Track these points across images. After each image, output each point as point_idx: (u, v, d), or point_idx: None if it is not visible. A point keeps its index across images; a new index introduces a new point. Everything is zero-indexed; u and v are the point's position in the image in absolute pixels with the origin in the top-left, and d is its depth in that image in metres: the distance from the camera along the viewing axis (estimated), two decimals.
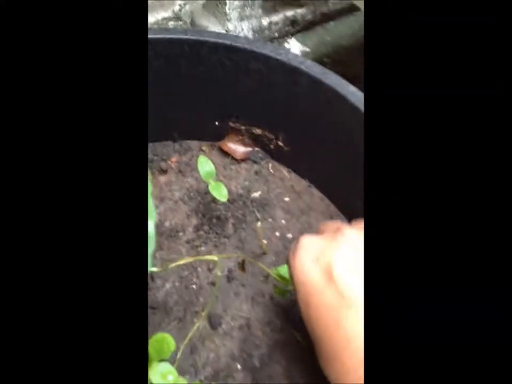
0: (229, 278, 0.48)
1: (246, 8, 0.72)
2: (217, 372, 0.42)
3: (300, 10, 0.82)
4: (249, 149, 0.57)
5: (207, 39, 0.48)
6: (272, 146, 0.56)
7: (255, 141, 0.57)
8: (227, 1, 0.69)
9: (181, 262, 0.37)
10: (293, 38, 0.86)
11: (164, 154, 0.58)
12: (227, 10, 0.70)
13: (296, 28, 0.85)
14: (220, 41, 0.48)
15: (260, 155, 0.57)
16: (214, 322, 0.45)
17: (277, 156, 0.57)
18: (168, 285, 0.48)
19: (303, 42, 0.85)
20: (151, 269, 0.25)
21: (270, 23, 0.78)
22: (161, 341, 0.32)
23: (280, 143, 0.55)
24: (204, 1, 0.68)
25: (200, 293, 0.48)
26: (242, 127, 0.56)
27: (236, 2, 0.69)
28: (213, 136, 0.58)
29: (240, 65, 0.49)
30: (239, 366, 0.43)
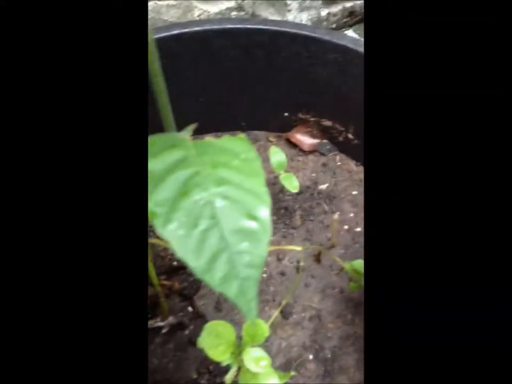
0: (298, 269, 0.49)
1: None
2: (289, 361, 0.43)
3: (358, 2, 0.81)
4: (317, 140, 0.57)
5: (286, 29, 0.48)
6: (341, 139, 0.56)
7: (324, 132, 0.57)
8: None
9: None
10: (350, 30, 0.85)
11: None
12: (288, 1, 0.70)
13: (354, 19, 0.84)
14: (299, 31, 0.47)
15: (328, 147, 0.57)
16: (285, 312, 0.46)
17: (344, 148, 0.57)
18: None
19: (360, 34, 0.84)
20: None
21: (329, 14, 0.78)
22: (256, 326, 0.33)
23: (350, 135, 0.54)
24: None
25: (270, 282, 0.48)
26: (312, 119, 0.56)
27: None
28: (281, 127, 0.58)
29: (318, 55, 0.49)
30: (311, 356, 0.43)
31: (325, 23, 0.80)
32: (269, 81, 0.53)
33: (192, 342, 0.43)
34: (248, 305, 0.23)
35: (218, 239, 0.23)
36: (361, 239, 0.51)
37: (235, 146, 0.27)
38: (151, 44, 0.26)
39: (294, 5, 0.71)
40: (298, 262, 0.49)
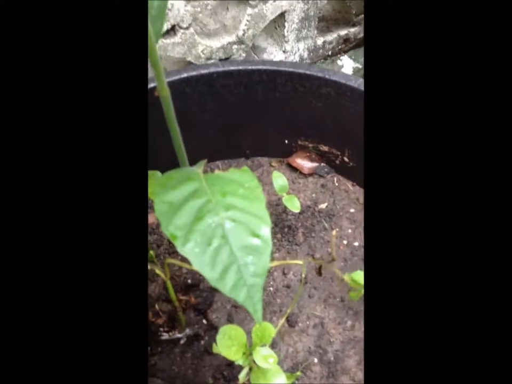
0: (301, 281, 0.54)
1: (303, 30, 0.78)
2: (296, 364, 0.48)
3: (352, 29, 0.87)
4: (316, 164, 0.63)
5: (283, 69, 0.54)
6: (337, 162, 0.61)
7: (321, 156, 0.62)
8: (286, 24, 0.75)
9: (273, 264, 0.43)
10: (345, 55, 0.91)
11: None
12: (285, 33, 0.76)
13: (349, 45, 0.90)
14: (295, 70, 0.53)
15: (326, 169, 0.63)
16: (291, 321, 0.50)
17: (341, 170, 0.62)
18: None
19: (355, 59, 0.90)
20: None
21: (324, 42, 0.84)
22: (263, 328, 0.38)
23: (346, 159, 0.60)
24: (265, 25, 0.74)
25: (277, 294, 0.53)
26: (310, 145, 0.62)
27: (294, 25, 0.75)
28: (282, 153, 0.64)
29: (312, 90, 0.54)
30: (315, 360, 0.48)
31: (321, 51, 0.86)
32: (270, 113, 0.59)
33: (207, 351, 0.48)
34: (255, 307, 0.28)
35: (228, 254, 0.29)
36: (359, 253, 0.56)
37: (240, 177, 0.32)
38: (167, 97, 0.32)
39: (291, 36, 0.77)
40: (302, 275, 0.54)
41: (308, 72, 0.53)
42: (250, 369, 0.40)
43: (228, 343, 0.37)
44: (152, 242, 0.57)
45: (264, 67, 0.54)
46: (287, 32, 0.76)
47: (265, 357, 0.36)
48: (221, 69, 0.54)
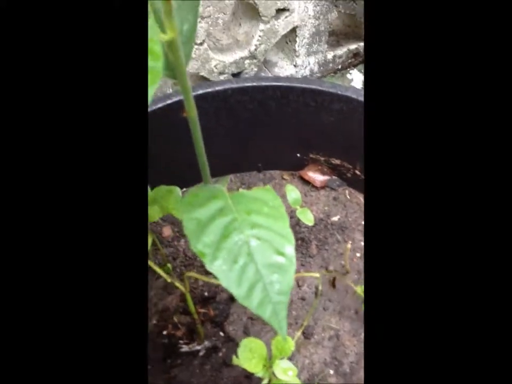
0: (316, 294, 0.55)
1: (313, 44, 0.79)
2: (312, 376, 0.48)
3: (362, 44, 0.88)
4: (328, 177, 0.64)
5: (296, 85, 0.55)
6: (349, 175, 0.62)
7: (333, 170, 0.63)
8: (297, 39, 0.76)
9: None
10: (355, 69, 0.92)
11: (250, 183, 0.65)
12: (296, 47, 0.78)
13: (358, 59, 0.91)
14: (307, 86, 0.55)
15: (337, 182, 0.64)
16: (307, 333, 0.51)
17: (353, 183, 0.63)
18: None
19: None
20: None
21: (334, 56, 0.85)
22: (283, 341, 0.39)
23: (357, 172, 0.61)
24: (276, 40, 0.75)
25: (292, 307, 0.54)
26: (322, 158, 0.63)
27: (305, 40, 0.77)
28: (294, 166, 0.65)
29: (324, 105, 0.56)
30: (331, 372, 0.48)
31: (331, 65, 0.87)
32: (282, 128, 0.60)
33: (225, 363, 0.49)
34: (280, 324, 0.29)
35: (254, 272, 0.30)
36: None
37: (264, 195, 0.33)
38: (195, 117, 0.33)
39: (302, 51, 0.79)
40: (316, 287, 0.55)
41: (320, 88, 0.54)
42: (269, 381, 0.41)
43: (249, 356, 0.38)
44: (168, 255, 0.58)
45: (277, 83, 0.55)
46: (298, 46, 0.77)
47: (284, 370, 0.37)
48: (235, 85, 0.56)
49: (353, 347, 0.50)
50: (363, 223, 0.61)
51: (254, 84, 0.55)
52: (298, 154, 0.64)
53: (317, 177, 0.64)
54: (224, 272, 0.29)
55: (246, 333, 0.52)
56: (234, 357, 0.42)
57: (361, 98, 0.53)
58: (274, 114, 0.58)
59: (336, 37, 0.88)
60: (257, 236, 0.31)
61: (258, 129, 0.60)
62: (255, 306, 0.29)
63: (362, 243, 0.59)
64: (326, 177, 0.64)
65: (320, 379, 0.48)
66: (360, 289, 0.50)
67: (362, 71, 0.91)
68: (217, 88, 0.55)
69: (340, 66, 0.89)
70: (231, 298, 0.54)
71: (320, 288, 0.44)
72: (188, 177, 0.57)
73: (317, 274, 0.43)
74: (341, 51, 0.86)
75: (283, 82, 0.55)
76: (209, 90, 0.54)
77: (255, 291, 0.29)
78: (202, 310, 0.48)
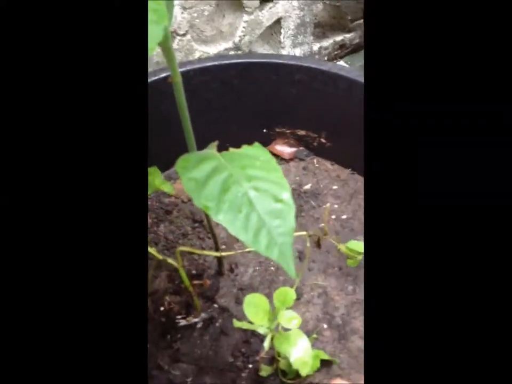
0: (300, 258, 0.57)
1: (298, 36, 0.79)
2: (307, 332, 0.50)
3: (348, 35, 0.89)
4: (295, 148, 0.66)
5: (255, 60, 0.57)
6: (315, 144, 0.65)
7: (299, 141, 0.66)
8: (282, 31, 0.76)
9: None
10: (341, 61, 0.92)
11: None
12: (281, 39, 0.77)
13: (345, 51, 0.92)
14: (267, 60, 0.57)
15: (305, 153, 0.66)
16: (297, 294, 0.53)
17: (319, 151, 0.66)
18: (250, 270, 0.56)
19: (351, 64, 0.92)
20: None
21: (320, 48, 0.86)
22: (284, 293, 0.40)
23: (323, 140, 0.64)
24: (261, 31, 0.75)
25: (279, 272, 0.56)
26: (288, 131, 0.65)
27: (290, 31, 0.77)
28: (261, 142, 0.67)
29: (286, 77, 0.58)
30: (325, 326, 0.51)
31: (317, 56, 0.87)
32: (246, 105, 0.62)
33: (223, 332, 0.50)
34: (288, 264, 0.31)
35: (257, 219, 0.31)
36: (348, 225, 0.60)
37: (254, 152, 0.35)
38: (179, 83, 0.34)
39: (287, 42, 0.79)
40: (300, 252, 0.57)
41: (279, 61, 0.56)
42: (272, 337, 0.42)
43: (254, 310, 0.39)
44: (150, 240, 0.59)
45: (238, 60, 0.57)
46: (283, 38, 0.77)
47: (289, 319, 0.39)
48: (196, 66, 0.57)
49: (342, 300, 0.53)
50: (334, 187, 0.63)
51: (215, 63, 0.56)
52: (264, 130, 0.66)
53: (285, 150, 0.66)
54: (230, 221, 0.31)
55: (238, 303, 0.53)
56: (234, 320, 0.44)
57: (320, 67, 0.56)
58: (237, 92, 0.60)
59: (322, 29, 0.88)
60: (255, 187, 0.32)
61: (222, 109, 0.62)
62: (263, 249, 0.31)
63: (336, 206, 0.62)
64: (293, 149, 0.66)
65: (316, 333, 0.50)
66: (342, 247, 0.53)
67: (349, 62, 0.92)
68: (180, 70, 0.55)
69: (326, 58, 0.89)
70: (219, 273, 0.56)
71: (308, 245, 0.47)
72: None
73: (304, 233, 0.45)
74: (327, 42, 0.87)
75: (243, 59, 0.56)
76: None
77: (261, 236, 0.31)
78: (197, 282, 0.49)
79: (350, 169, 0.65)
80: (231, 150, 0.36)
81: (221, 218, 0.31)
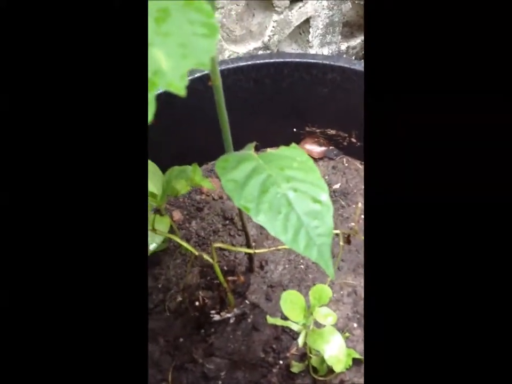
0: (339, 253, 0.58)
1: (327, 35, 0.79)
2: (338, 331, 0.51)
3: None
4: (325, 148, 0.67)
5: (289, 60, 0.57)
6: (345, 143, 0.65)
7: (329, 140, 0.66)
8: (310, 30, 0.76)
9: None
10: None
11: None
12: (310, 38, 0.77)
13: None
14: (301, 60, 0.57)
15: (335, 152, 0.67)
16: None
17: (349, 151, 0.66)
18: (280, 268, 0.57)
19: None
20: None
21: (348, 47, 0.85)
22: (320, 290, 0.41)
23: (353, 139, 0.64)
24: (290, 31, 0.75)
25: (308, 271, 0.57)
26: (317, 130, 0.65)
27: (318, 31, 0.77)
28: (290, 141, 0.68)
29: (318, 77, 0.58)
30: (355, 325, 0.51)
31: (345, 56, 0.86)
32: (277, 104, 0.62)
33: (255, 328, 0.51)
34: (326, 264, 0.32)
35: (296, 220, 0.32)
36: None
37: (291, 153, 0.36)
38: (220, 86, 0.35)
39: (315, 42, 0.78)
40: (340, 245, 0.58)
41: (313, 60, 0.57)
42: (306, 333, 0.43)
43: (291, 307, 0.40)
44: (182, 237, 0.60)
45: (271, 60, 0.57)
46: (312, 37, 0.77)
47: (325, 315, 0.40)
48: (230, 65, 0.58)
49: None
50: (363, 186, 0.64)
51: (249, 62, 0.57)
52: (294, 129, 0.66)
53: (314, 149, 0.66)
54: (269, 222, 0.32)
55: (268, 299, 0.54)
56: (268, 316, 0.45)
57: (354, 67, 0.56)
58: (269, 92, 0.61)
59: (350, 28, 0.87)
60: (294, 188, 0.33)
61: (253, 108, 0.63)
62: (302, 249, 0.31)
63: None
64: (323, 148, 0.67)
65: (346, 332, 0.51)
66: None
67: None
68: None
69: (353, 58, 0.88)
70: (249, 270, 0.57)
71: (341, 243, 0.47)
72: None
73: (337, 231, 0.46)
74: (355, 42, 0.86)
75: (276, 59, 0.57)
76: (206, 72, 0.56)
77: (300, 236, 0.32)
78: (230, 278, 0.50)
79: None
80: (269, 150, 0.37)
81: (260, 219, 0.31)
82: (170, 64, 0.19)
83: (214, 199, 0.64)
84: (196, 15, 0.21)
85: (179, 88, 0.19)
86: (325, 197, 0.33)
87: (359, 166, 0.66)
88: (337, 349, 0.40)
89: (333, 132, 0.65)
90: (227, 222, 0.62)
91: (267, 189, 0.33)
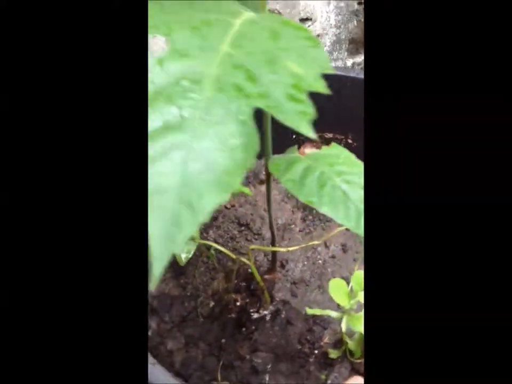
0: (344, 250, 0.62)
1: (334, 52, 0.83)
2: None
3: None
4: None
5: None
6: (342, 145, 0.70)
7: (327, 143, 0.71)
8: None
9: (315, 242, 0.51)
10: None
11: (257, 169, 0.71)
12: None
13: None
14: None
15: None
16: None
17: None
18: (300, 265, 0.60)
19: None
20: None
21: (354, 63, 0.89)
22: (361, 276, 0.45)
23: (350, 141, 0.69)
24: None
25: (326, 265, 0.61)
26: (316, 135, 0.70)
27: (326, 48, 0.80)
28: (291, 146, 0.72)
29: None
30: None
31: None
32: None
33: (289, 322, 0.54)
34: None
35: (354, 208, 0.36)
36: None
37: (334, 151, 0.40)
38: None
39: None
40: (343, 245, 0.62)
41: None
42: (346, 319, 0.47)
43: (337, 292, 0.44)
44: (204, 245, 0.62)
45: None
46: None
47: None
48: None
49: None
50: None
51: None
52: (293, 136, 0.70)
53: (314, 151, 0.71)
54: (333, 212, 0.35)
55: (294, 296, 0.58)
56: (307, 308, 0.48)
57: (349, 74, 0.62)
58: None
59: (355, 45, 0.90)
60: (346, 180, 0.37)
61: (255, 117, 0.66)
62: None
63: None
64: None
65: None
66: None
67: None
68: None
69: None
70: (272, 269, 0.60)
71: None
72: None
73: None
74: (360, 58, 0.89)
75: None
76: None
77: (361, 222, 0.35)
78: (267, 276, 0.53)
79: None
80: (314, 151, 0.40)
81: (325, 210, 0.35)
82: (302, 71, 0.23)
83: (226, 207, 0.67)
84: (297, 32, 0.25)
85: (319, 87, 0.22)
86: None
87: None
88: None
89: (330, 135, 0.70)
90: (242, 228, 0.65)
91: (324, 184, 0.37)
